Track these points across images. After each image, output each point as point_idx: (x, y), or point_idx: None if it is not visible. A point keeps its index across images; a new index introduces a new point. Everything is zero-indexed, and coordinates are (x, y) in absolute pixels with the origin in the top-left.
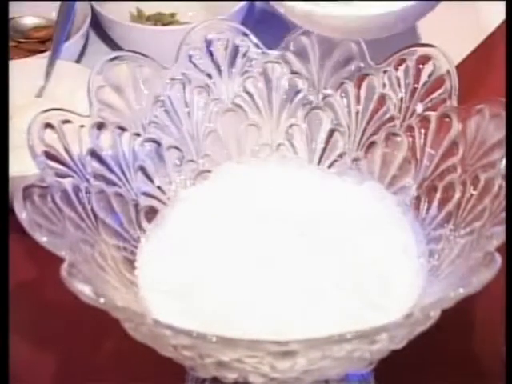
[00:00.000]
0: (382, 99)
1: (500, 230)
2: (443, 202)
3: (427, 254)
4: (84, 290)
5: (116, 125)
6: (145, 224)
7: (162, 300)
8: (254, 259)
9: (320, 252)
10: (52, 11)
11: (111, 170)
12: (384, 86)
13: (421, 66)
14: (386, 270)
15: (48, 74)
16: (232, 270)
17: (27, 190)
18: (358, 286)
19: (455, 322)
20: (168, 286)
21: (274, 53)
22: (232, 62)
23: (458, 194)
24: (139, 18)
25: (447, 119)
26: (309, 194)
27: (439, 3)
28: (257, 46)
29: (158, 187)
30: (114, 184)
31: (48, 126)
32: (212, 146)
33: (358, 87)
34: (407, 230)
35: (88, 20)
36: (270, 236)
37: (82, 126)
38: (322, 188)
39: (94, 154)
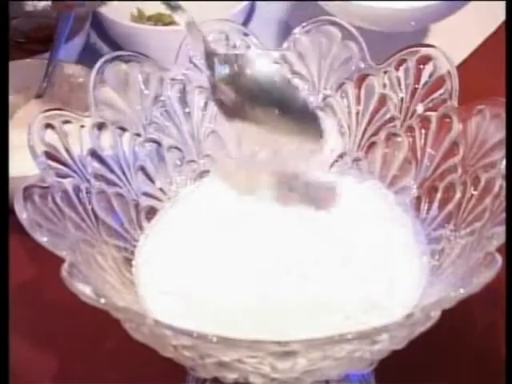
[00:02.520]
0: (383, 99)
1: (500, 231)
2: (444, 203)
3: (429, 253)
4: (84, 290)
5: (116, 125)
6: (145, 224)
7: (160, 299)
8: (253, 259)
9: (321, 251)
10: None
11: (112, 171)
12: (384, 86)
13: (421, 67)
14: (387, 269)
15: (48, 75)
16: (231, 269)
17: (28, 191)
18: (359, 285)
19: (456, 322)
20: (166, 285)
21: (275, 53)
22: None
23: (458, 195)
24: (140, 18)
25: (448, 119)
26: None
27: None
28: (257, 46)
29: (159, 187)
30: (114, 184)
31: (48, 126)
32: (212, 147)
33: (359, 87)
34: (409, 229)
35: (88, 20)
36: (270, 235)
37: (83, 127)
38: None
39: (95, 155)
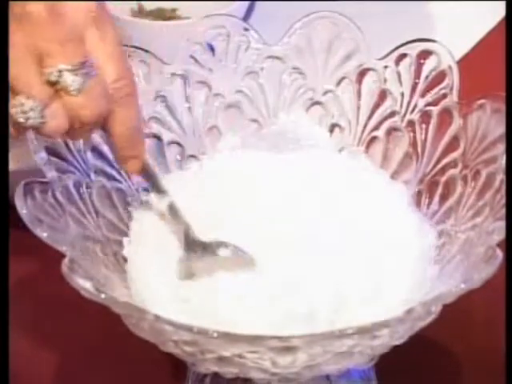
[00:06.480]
0: (383, 94)
1: (501, 225)
2: (444, 197)
3: (433, 246)
4: (85, 285)
5: None
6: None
7: (155, 294)
8: (252, 248)
9: (324, 240)
10: None
11: (112, 165)
12: (385, 81)
13: (422, 61)
14: (391, 263)
15: None
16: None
17: (28, 186)
18: (356, 279)
19: (456, 317)
20: (162, 280)
21: (275, 48)
22: (233, 57)
23: (459, 189)
24: (140, 13)
25: (448, 114)
26: (313, 181)
27: None
28: (258, 41)
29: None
30: (114, 179)
31: None
32: (213, 141)
33: (359, 82)
34: (414, 222)
35: None
36: (269, 228)
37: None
38: (329, 173)
39: (95, 149)
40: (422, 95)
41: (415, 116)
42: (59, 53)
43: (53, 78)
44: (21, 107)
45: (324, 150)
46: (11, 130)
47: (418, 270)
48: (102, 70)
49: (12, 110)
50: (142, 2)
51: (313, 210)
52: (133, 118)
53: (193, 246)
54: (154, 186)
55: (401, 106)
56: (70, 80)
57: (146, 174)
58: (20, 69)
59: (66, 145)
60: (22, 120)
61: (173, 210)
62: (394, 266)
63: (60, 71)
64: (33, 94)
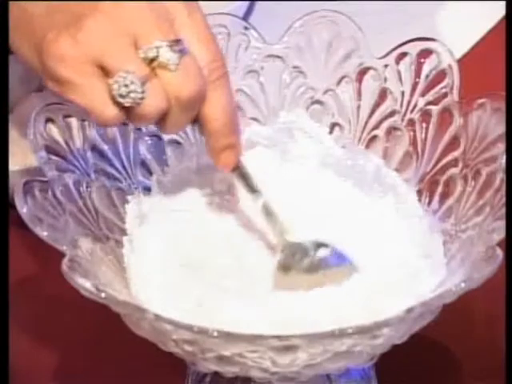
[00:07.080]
0: (384, 93)
1: (501, 225)
2: (444, 197)
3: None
4: (85, 284)
5: None
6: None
7: (153, 294)
8: (251, 245)
9: (325, 238)
10: None
11: (112, 165)
12: (385, 79)
13: (422, 60)
14: (392, 262)
15: None
16: (231, 262)
17: (28, 185)
18: (361, 278)
19: (456, 317)
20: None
21: (275, 47)
22: (233, 56)
23: (459, 189)
24: None
25: (448, 113)
26: (314, 180)
27: None
28: (258, 40)
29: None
30: (114, 178)
31: (49, 120)
32: None
33: (360, 81)
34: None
35: None
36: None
37: (83, 121)
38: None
39: (95, 149)
40: (423, 94)
41: (415, 115)
42: (154, 30)
43: (151, 55)
44: (123, 80)
45: (324, 149)
46: (110, 112)
47: (419, 269)
48: (194, 52)
49: (113, 86)
50: None
51: (313, 209)
52: (228, 102)
53: (289, 248)
54: (247, 185)
55: (401, 105)
56: (168, 55)
57: (240, 171)
58: (117, 49)
59: (67, 144)
60: (124, 93)
61: (267, 210)
62: (395, 266)
63: (157, 47)
64: (131, 69)
